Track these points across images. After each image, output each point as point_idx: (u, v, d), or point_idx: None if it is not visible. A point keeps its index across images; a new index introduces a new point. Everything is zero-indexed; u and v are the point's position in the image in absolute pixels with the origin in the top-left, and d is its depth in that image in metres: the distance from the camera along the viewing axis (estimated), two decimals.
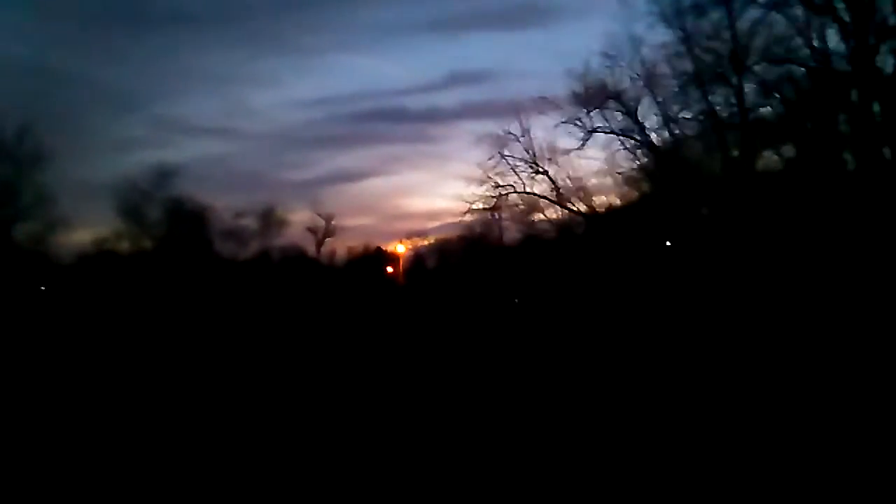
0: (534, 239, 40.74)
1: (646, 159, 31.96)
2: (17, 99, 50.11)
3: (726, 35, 25.46)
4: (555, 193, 35.70)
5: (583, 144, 32.72)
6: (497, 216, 41.05)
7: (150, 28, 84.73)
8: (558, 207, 36.57)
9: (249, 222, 47.21)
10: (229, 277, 43.80)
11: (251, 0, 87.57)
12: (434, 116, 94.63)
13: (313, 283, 45.96)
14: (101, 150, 67.31)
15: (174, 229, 44.45)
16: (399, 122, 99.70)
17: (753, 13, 24.49)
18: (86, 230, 45.36)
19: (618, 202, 35.46)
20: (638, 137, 31.16)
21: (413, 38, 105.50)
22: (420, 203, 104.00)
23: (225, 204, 47.50)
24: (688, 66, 27.11)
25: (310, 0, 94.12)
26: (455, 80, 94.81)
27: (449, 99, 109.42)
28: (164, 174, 43.90)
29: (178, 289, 41.72)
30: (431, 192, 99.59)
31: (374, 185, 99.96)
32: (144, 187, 43.47)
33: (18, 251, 39.03)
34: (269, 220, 47.49)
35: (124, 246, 44.24)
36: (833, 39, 23.36)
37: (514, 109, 37.05)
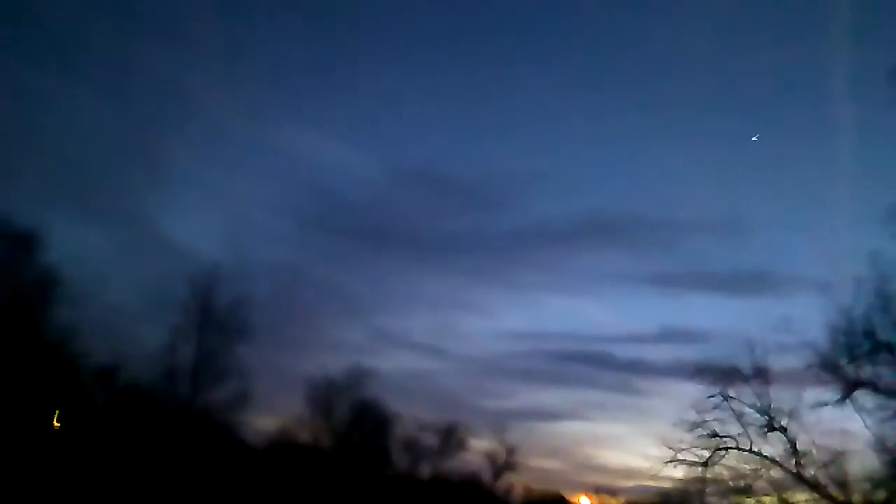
0: None
1: None
2: (268, 295, 55.87)
3: None
4: (792, 460, 27.39)
5: (841, 399, 25.30)
6: (703, 485, 33.18)
7: (387, 245, 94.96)
8: (789, 481, 28.81)
9: (431, 438, 45.94)
10: (400, 492, 41.89)
11: (477, 235, 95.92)
12: (641, 369, 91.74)
13: None
14: (320, 349, 73.07)
15: (356, 429, 43.80)
16: (604, 369, 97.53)
17: None
18: (273, 415, 45.62)
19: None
20: None
21: (629, 289, 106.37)
22: (613, 457, 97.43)
23: (413, 416, 46.80)
24: None
25: (531, 241, 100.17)
26: (668, 335, 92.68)
27: (659, 353, 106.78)
28: (360, 375, 44.13)
29: (348, 494, 40.21)
30: (627, 448, 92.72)
31: (568, 429, 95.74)
32: (338, 384, 43.76)
33: (204, 418, 39.36)
34: (450, 439, 46.00)
35: (305, 436, 43.88)
36: None
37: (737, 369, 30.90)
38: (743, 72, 74.25)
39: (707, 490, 32.25)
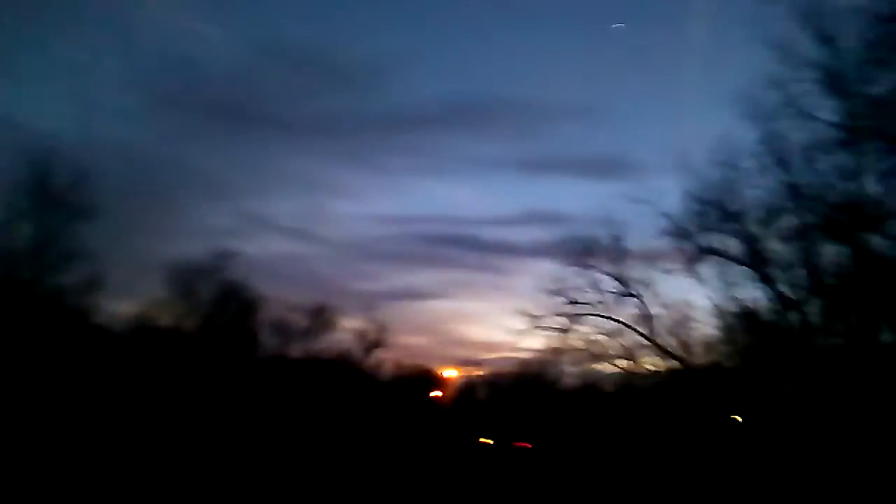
0: (593, 388, 38.96)
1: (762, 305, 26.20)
2: (120, 176, 51.07)
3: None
4: (644, 326, 29.50)
5: (689, 267, 26.78)
6: (561, 352, 34.81)
7: (252, 126, 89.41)
8: (641, 346, 30.24)
9: (300, 319, 45.77)
10: (268, 372, 41.90)
11: (346, 117, 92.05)
12: (505, 249, 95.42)
13: (354, 393, 43.93)
14: (181, 233, 68.15)
15: (222, 312, 42.76)
16: (470, 250, 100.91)
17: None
18: (132, 299, 43.54)
19: (716, 354, 29.78)
20: (757, 273, 25.11)
21: (494, 172, 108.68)
22: (478, 332, 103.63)
23: (282, 299, 46.06)
24: (793, 220, 23.74)
25: (400, 125, 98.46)
26: (531, 217, 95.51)
27: (522, 235, 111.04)
28: (224, 257, 42.69)
29: (214, 376, 39.75)
30: (491, 323, 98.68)
31: (436, 308, 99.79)
32: (201, 266, 42.18)
33: (53, 301, 37.08)
34: (320, 319, 46.04)
35: (167, 320, 42.35)
36: None
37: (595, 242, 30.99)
38: None
39: (564, 357, 34.57)
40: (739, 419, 32.21)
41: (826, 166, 21.76)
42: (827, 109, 20.90)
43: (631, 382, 37.26)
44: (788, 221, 23.94)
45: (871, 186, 21.12)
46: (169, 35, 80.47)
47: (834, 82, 20.51)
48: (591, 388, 39.85)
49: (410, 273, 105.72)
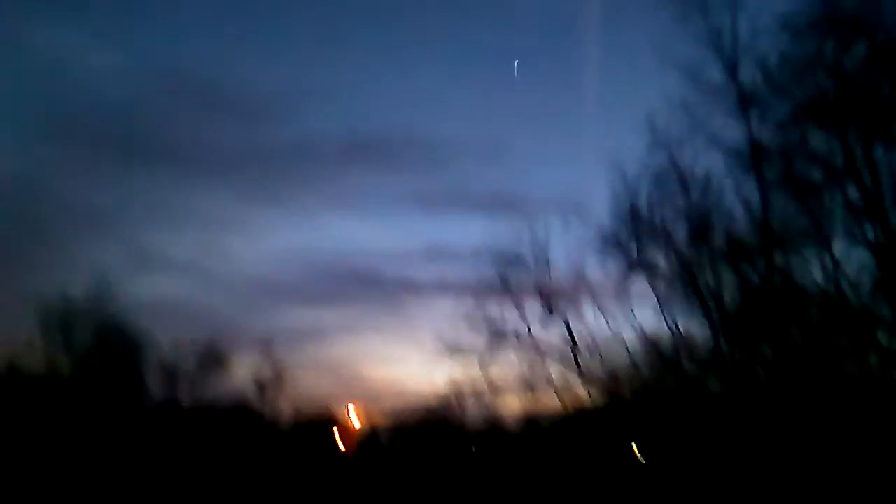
0: (498, 430, 38.74)
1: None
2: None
3: None
4: (570, 350, 27.47)
5: (625, 278, 25.31)
6: (470, 389, 31.80)
7: (145, 159, 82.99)
8: (567, 374, 27.99)
9: (191, 360, 42.11)
10: (157, 420, 38.26)
11: (243, 151, 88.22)
12: (410, 287, 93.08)
13: (252, 442, 40.87)
14: (60, 270, 61.79)
15: (100, 355, 38.73)
16: (373, 287, 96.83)
17: None
18: (5, 344, 38.52)
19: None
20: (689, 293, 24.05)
21: (397, 208, 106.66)
22: (383, 371, 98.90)
23: (171, 339, 41.98)
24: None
25: (299, 160, 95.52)
26: (434, 253, 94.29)
27: (426, 271, 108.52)
28: (104, 295, 38.77)
29: (94, 425, 35.80)
30: (397, 362, 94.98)
31: (338, 347, 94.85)
32: (80, 305, 38.16)
33: None
34: (212, 359, 42.47)
35: (38, 366, 37.75)
36: None
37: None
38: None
39: (475, 394, 32.94)
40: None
41: (733, 190, 22.21)
42: (734, 132, 21.23)
43: (536, 420, 36.80)
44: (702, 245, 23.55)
45: (779, 207, 21.35)
46: (60, 61, 74.56)
47: (740, 105, 20.96)
48: (497, 429, 39.59)
49: (311, 310, 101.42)
